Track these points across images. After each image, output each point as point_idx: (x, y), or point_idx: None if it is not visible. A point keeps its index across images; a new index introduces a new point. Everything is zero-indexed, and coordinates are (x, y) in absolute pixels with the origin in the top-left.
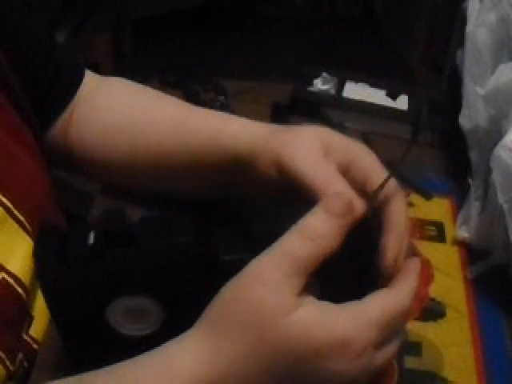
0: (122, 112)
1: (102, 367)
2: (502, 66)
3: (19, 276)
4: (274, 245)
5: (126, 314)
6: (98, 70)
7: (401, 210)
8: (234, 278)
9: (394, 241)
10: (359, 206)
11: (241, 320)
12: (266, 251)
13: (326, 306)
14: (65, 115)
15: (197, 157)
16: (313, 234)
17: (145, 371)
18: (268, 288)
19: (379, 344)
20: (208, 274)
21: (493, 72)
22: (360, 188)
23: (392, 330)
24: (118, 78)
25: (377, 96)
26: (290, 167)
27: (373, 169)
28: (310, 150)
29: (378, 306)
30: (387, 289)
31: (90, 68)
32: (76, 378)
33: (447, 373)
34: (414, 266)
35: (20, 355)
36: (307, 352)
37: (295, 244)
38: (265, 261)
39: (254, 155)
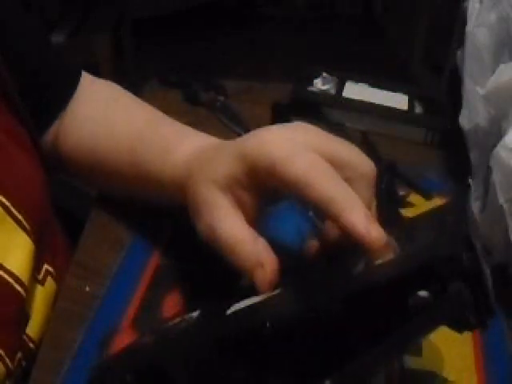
0: (97, 124)
1: None
2: (502, 66)
3: (17, 274)
4: None
5: None
6: (98, 70)
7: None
8: None
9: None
10: None
11: None
12: None
13: None
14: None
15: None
16: None
17: None
18: None
19: None
20: None
21: (493, 72)
22: None
23: None
24: (102, 80)
25: (377, 96)
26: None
27: None
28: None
29: None
30: None
31: (90, 68)
32: None
33: (447, 373)
34: None
35: (19, 354)
36: None
37: None
38: None
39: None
